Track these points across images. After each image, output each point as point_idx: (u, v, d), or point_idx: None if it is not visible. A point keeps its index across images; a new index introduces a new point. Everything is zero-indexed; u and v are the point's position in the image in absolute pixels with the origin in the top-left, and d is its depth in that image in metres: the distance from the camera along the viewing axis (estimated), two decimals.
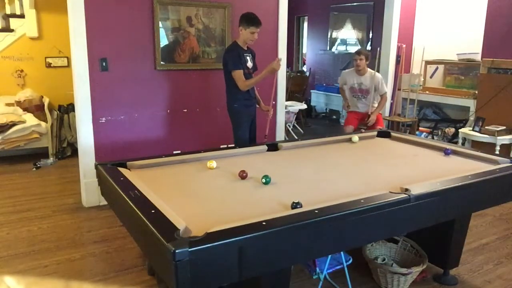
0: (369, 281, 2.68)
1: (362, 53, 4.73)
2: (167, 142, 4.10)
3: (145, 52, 3.91)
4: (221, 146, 3.64)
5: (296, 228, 1.63)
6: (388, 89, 6.13)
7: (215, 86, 4.17)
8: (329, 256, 2.35)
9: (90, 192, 3.81)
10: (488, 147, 4.38)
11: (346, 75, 4.92)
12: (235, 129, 3.74)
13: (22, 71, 6.07)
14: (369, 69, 4.82)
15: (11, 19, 6.00)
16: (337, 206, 1.78)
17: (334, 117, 8.27)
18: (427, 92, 6.25)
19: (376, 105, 4.84)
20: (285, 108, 4.90)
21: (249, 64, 3.65)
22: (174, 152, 2.84)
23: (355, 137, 3.20)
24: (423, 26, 6.52)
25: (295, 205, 1.79)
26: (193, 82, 4.17)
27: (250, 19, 3.51)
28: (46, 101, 5.76)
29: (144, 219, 1.63)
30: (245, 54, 3.62)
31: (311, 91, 8.64)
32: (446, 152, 2.79)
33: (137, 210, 1.72)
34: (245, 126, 3.72)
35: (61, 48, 6.11)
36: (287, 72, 6.11)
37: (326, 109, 8.58)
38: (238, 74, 3.54)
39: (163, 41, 3.97)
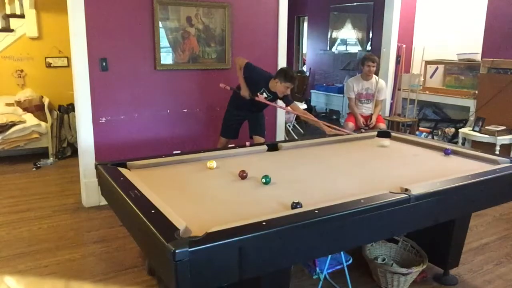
0: (369, 281, 2.68)
1: (375, 60, 4.83)
2: (167, 142, 4.10)
3: (145, 52, 3.91)
4: None
5: (296, 228, 1.63)
6: (388, 89, 6.15)
7: (215, 86, 4.16)
8: (329, 256, 2.35)
9: (90, 192, 3.81)
10: (488, 147, 4.38)
11: (353, 83, 4.96)
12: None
13: (22, 71, 6.07)
14: (373, 75, 4.95)
15: (11, 19, 6.00)
16: (337, 206, 1.78)
17: (334, 117, 8.27)
18: (427, 92, 6.25)
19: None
20: None
21: (262, 96, 3.78)
22: (174, 152, 2.83)
23: (386, 142, 3.07)
24: (423, 26, 6.52)
25: (295, 205, 1.79)
26: (193, 82, 4.17)
27: (289, 77, 3.64)
28: (46, 101, 5.76)
29: (144, 219, 1.63)
30: (264, 89, 3.77)
31: (311, 91, 8.64)
32: (446, 152, 2.79)
33: (137, 210, 1.72)
34: (227, 120, 4.01)
35: (61, 48, 6.11)
36: None
37: (326, 109, 8.58)
38: (241, 60, 3.80)
39: (163, 41, 3.97)
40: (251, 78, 3.76)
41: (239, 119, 4.00)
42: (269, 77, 3.76)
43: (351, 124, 4.85)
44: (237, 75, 3.81)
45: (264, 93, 3.77)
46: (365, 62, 4.85)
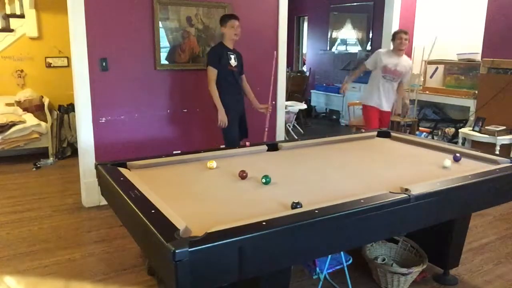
0: (369, 281, 2.68)
1: (407, 32, 4.43)
2: (167, 142, 4.10)
3: (145, 52, 3.91)
4: (221, 146, 3.64)
5: (296, 228, 1.63)
6: None
7: None
8: (329, 256, 2.35)
9: (90, 192, 3.81)
10: (488, 147, 4.38)
11: (382, 54, 4.51)
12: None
13: (22, 71, 6.07)
14: (404, 55, 4.58)
15: (11, 19, 6.00)
16: (337, 206, 1.78)
17: (334, 117, 8.27)
18: (427, 92, 6.25)
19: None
20: (285, 108, 4.90)
21: (233, 62, 3.74)
22: (174, 152, 2.83)
23: (447, 161, 2.54)
24: (423, 26, 6.52)
25: (295, 205, 1.79)
26: (193, 82, 4.17)
27: (227, 15, 3.76)
28: (46, 101, 5.76)
29: (144, 219, 1.63)
30: (228, 53, 3.73)
31: (311, 91, 8.64)
32: (456, 159, 2.57)
33: (137, 210, 1.72)
34: (233, 123, 3.78)
35: (61, 48, 6.11)
36: (287, 72, 6.11)
37: (326, 109, 8.58)
38: (210, 71, 3.67)
39: (163, 41, 3.97)
40: (217, 58, 3.65)
41: (239, 116, 3.87)
42: (220, 42, 3.77)
43: (375, 121, 4.53)
44: (210, 90, 3.69)
45: (231, 56, 3.72)
46: (396, 35, 4.43)
